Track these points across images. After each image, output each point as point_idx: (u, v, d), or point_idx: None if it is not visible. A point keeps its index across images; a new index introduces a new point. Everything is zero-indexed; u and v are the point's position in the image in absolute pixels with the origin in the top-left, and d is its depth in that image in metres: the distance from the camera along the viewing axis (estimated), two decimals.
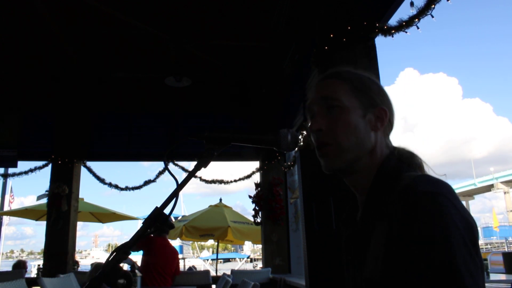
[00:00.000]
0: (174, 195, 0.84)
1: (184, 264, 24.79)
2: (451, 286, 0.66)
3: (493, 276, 5.37)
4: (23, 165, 7.43)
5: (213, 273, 8.07)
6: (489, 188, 41.06)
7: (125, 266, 4.59)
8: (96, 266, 4.61)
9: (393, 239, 0.74)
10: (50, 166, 6.98)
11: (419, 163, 0.89)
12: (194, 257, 36.38)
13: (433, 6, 2.91)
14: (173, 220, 11.81)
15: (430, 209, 0.71)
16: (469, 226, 0.72)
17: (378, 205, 0.82)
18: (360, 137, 0.89)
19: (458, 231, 0.69)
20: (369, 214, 0.86)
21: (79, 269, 7.83)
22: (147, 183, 7.33)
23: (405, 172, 0.83)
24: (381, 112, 0.92)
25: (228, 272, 6.22)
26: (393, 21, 3.30)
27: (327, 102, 0.92)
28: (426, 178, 0.80)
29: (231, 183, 7.73)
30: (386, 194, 0.80)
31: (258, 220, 7.11)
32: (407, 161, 0.89)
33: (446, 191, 0.74)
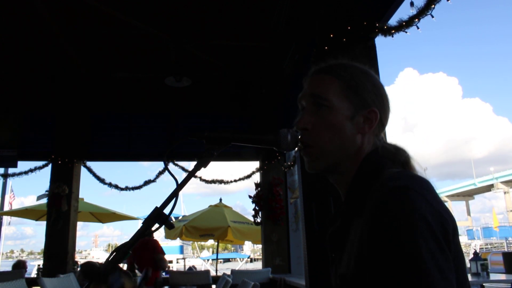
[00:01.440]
0: (174, 195, 0.84)
1: (184, 264, 24.80)
2: (416, 280, 0.64)
3: (493, 276, 5.37)
4: (23, 165, 7.43)
5: (213, 273, 8.07)
6: (489, 188, 41.06)
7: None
8: (83, 266, 4.65)
9: (364, 235, 0.73)
10: (50, 166, 6.98)
11: (404, 159, 0.87)
12: (194, 257, 36.39)
13: (433, 6, 2.91)
14: (173, 220, 11.81)
15: (396, 204, 0.70)
16: (442, 220, 0.70)
17: (356, 202, 0.81)
18: (345, 140, 0.88)
19: (426, 225, 0.67)
20: (347, 211, 0.85)
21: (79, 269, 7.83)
22: (147, 183, 7.33)
23: (388, 169, 0.82)
24: (371, 114, 0.89)
25: (228, 272, 6.23)
26: (393, 21, 3.31)
27: (316, 100, 0.90)
28: (401, 174, 0.79)
29: (231, 183, 7.73)
30: (365, 191, 0.79)
31: (258, 220, 7.11)
32: (391, 157, 0.87)
33: (417, 186, 0.73)
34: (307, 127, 0.90)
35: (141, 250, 5.35)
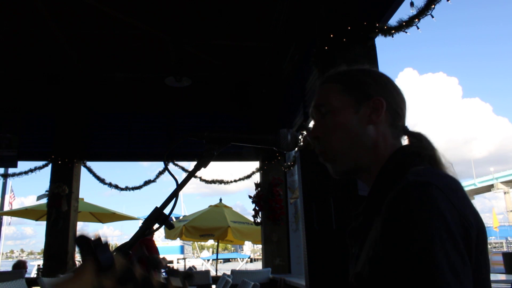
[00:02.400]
0: (174, 195, 0.84)
1: (185, 264, 24.82)
2: (426, 280, 0.61)
3: (493, 276, 5.37)
4: (23, 165, 7.43)
5: (213, 273, 8.07)
6: (489, 188, 41.06)
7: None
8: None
9: (379, 231, 0.71)
10: (50, 166, 6.98)
11: (431, 155, 0.84)
12: (194, 257, 36.40)
13: (433, 6, 2.91)
14: (174, 220, 11.81)
15: (414, 199, 0.67)
16: (465, 223, 0.66)
17: (378, 200, 0.79)
18: (354, 135, 0.87)
19: (444, 224, 0.64)
20: (369, 209, 0.84)
21: None
22: (147, 183, 7.33)
23: (414, 166, 0.79)
24: (375, 102, 0.87)
25: (228, 272, 6.23)
26: (393, 21, 3.30)
27: (319, 109, 0.91)
28: (426, 170, 0.76)
29: (231, 183, 7.73)
30: (388, 189, 0.76)
31: (258, 220, 7.11)
32: (418, 153, 0.84)
33: (442, 184, 0.69)
34: (318, 135, 0.90)
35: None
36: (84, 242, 0.59)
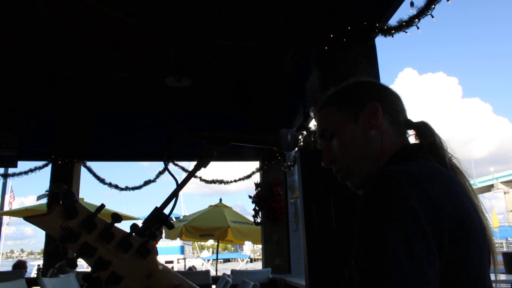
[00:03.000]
0: (174, 195, 0.84)
1: (185, 264, 24.80)
2: (378, 261, 0.62)
3: (493, 276, 5.37)
4: (23, 165, 7.43)
5: (213, 273, 8.07)
6: (489, 188, 41.04)
7: None
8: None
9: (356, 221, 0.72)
10: (50, 166, 6.98)
11: (430, 141, 0.85)
12: (194, 257, 36.39)
13: (433, 6, 2.91)
14: (174, 220, 11.81)
15: (378, 185, 0.69)
16: (438, 211, 0.65)
17: None
18: (361, 145, 0.88)
19: (406, 209, 0.63)
20: None
21: (79, 269, 7.83)
22: (147, 183, 7.33)
23: (413, 160, 0.81)
24: (370, 108, 0.89)
25: (228, 272, 6.23)
26: (393, 21, 3.31)
27: (325, 136, 0.94)
28: (413, 163, 0.78)
29: (231, 183, 7.73)
30: None
31: (258, 220, 7.11)
32: (419, 146, 0.86)
33: (420, 172, 0.70)
34: (331, 159, 0.93)
35: None
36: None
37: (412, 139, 0.92)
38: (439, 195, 0.67)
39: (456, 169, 0.84)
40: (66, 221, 0.66)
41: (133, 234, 0.69)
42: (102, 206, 0.73)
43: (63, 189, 6.65)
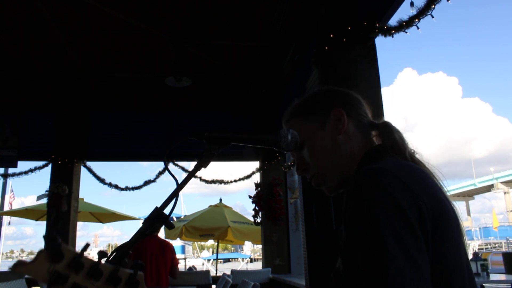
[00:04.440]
0: (174, 195, 0.84)
1: (185, 264, 24.80)
2: (374, 256, 0.64)
3: (493, 277, 5.37)
4: (23, 165, 7.43)
5: (213, 273, 8.07)
6: (489, 188, 41.00)
7: None
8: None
9: (344, 222, 0.74)
10: (50, 166, 6.98)
11: (392, 140, 0.89)
12: (194, 257, 36.39)
13: (433, 6, 2.91)
14: (175, 220, 11.81)
15: (362, 183, 0.71)
16: (420, 204, 0.69)
17: None
18: (331, 150, 0.92)
19: (392, 203, 0.67)
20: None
21: None
22: (147, 183, 7.33)
23: (381, 160, 0.84)
24: (335, 114, 0.93)
25: (228, 272, 6.23)
26: (393, 21, 3.31)
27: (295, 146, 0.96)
28: (387, 160, 0.81)
29: (231, 183, 7.73)
30: None
31: (258, 220, 7.11)
32: (384, 146, 0.90)
33: (397, 168, 0.74)
34: (305, 167, 0.96)
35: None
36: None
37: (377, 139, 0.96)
38: (416, 186, 0.71)
39: (419, 163, 0.89)
40: (53, 264, 0.66)
41: (120, 268, 0.70)
42: (87, 245, 0.74)
43: (63, 189, 6.66)
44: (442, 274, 0.69)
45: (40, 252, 0.67)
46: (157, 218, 0.81)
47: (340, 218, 0.91)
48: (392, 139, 0.89)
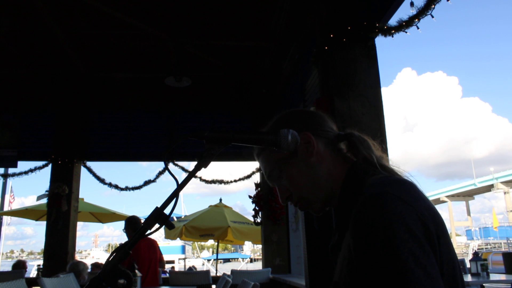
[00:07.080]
0: (174, 195, 0.84)
1: (185, 264, 24.82)
2: (400, 282, 0.65)
3: (493, 276, 5.37)
4: (23, 165, 7.42)
5: (213, 273, 8.07)
6: (489, 188, 41.02)
7: None
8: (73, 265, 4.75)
9: (350, 247, 0.76)
10: (50, 166, 6.97)
11: (363, 157, 0.92)
12: (194, 257, 36.40)
13: (433, 6, 2.91)
14: (175, 219, 11.82)
15: (372, 210, 0.73)
16: (423, 219, 0.72)
17: (345, 217, 0.86)
18: (308, 174, 0.93)
19: (403, 226, 0.69)
20: (340, 226, 0.90)
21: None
22: (147, 183, 7.33)
23: (370, 177, 0.86)
24: (304, 138, 0.94)
25: (228, 272, 6.22)
26: (393, 21, 3.31)
27: (273, 177, 0.98)
28: (379, 180, 0.82)
29: (231, 183, 7.73)
30: (351, 204, 0.81)
31: (258, 220, 7.11)
32: (367, 164, 0.91)
33: (394, 189, 0.76)
34: (288, 195, 0.97)
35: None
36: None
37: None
38: (415, 204, 0.74)
39: (391, 171, 0.92)
40: None
41: None
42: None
43: (63, 189, 6.65)
44: (449, 272, 0.74)
45: None
46: (158, 218, 0.81)
47: (335, 230, 0.93)
48: (362, 153, 0.93)
